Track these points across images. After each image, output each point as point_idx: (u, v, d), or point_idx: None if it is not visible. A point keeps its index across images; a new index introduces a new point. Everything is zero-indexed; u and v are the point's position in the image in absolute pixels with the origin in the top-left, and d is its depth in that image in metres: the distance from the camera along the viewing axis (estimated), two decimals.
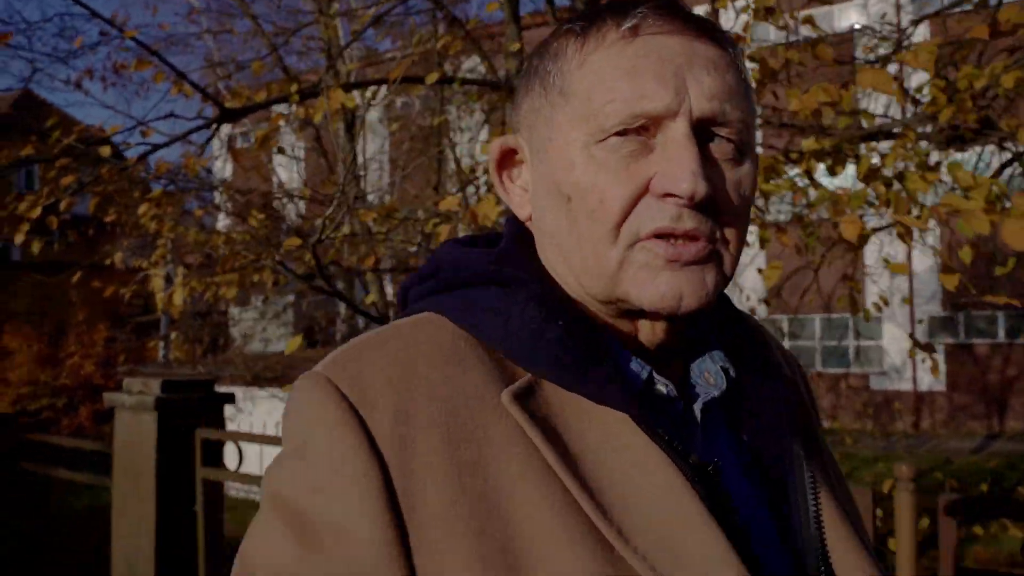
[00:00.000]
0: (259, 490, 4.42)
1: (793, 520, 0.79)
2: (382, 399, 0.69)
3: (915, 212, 2.86)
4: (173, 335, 14.50)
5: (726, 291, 0.83)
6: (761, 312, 20.64)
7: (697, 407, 0.79)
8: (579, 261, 0.76)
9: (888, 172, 2.92)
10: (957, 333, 19.36)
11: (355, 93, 5.04)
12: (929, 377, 19.28)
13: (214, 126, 4.20)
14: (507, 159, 0.83)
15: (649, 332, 0.78)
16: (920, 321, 18.27)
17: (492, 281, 0.78)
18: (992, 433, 17.75)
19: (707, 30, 0.76)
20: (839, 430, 18.48)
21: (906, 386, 19.74)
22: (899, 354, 19.76)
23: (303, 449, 0.71)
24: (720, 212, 0.75)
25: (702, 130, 0.74)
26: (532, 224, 0.82)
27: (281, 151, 4.13)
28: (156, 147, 4.24)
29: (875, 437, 17.97)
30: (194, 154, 4.85)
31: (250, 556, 0.71)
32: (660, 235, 0.73)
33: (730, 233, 0.76)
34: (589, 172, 0.73)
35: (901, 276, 18.78)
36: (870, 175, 2.91)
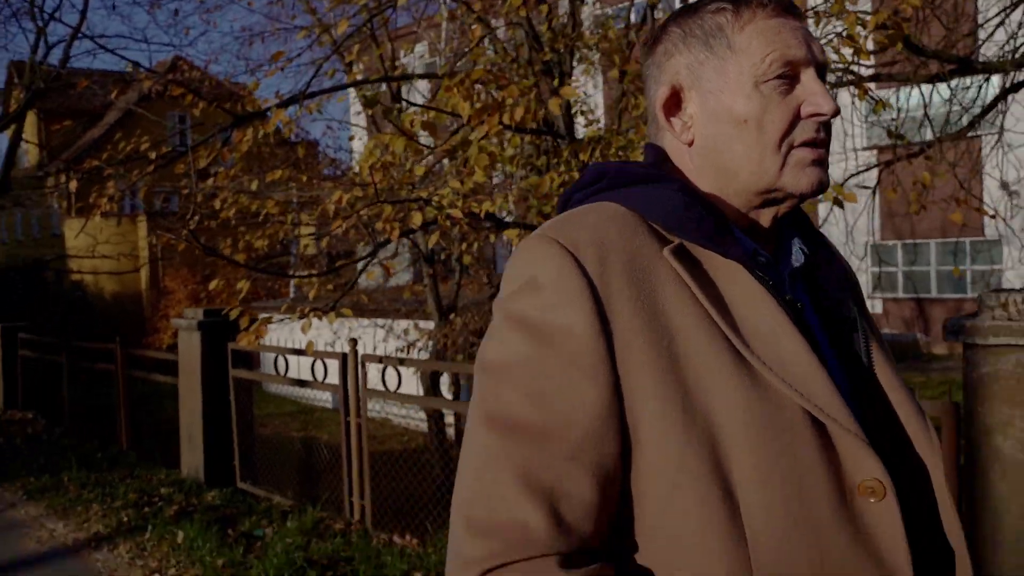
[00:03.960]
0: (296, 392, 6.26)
1: (847, 353, 1.09)
2: (589, 249, 0.98)
3: None
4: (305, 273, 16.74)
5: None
6: (874, 238, 20.63)
7: (785, 272, 1.09)
8: (747, 165, 1.05)
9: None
10: None
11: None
12: None
13: (230, 130, 5.95)
14: (671, 100, 1.10)
15: (767, 217, 1.08)
16: None
17: (649, 180, 1.07)
18: None
19: (803, 15, 1.10)
20: (954, 358, 18.53)
21: None
22: (1020, 279, 19.38)
23: (534, 282, 0.98)
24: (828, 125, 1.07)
25: (818, 72, 1.07)
26: (692, 147, 1.09)
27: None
28: (179, 152, 6.09)
29: None
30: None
31: (497, 357, 0.99)
32: (807, 143, 1.04)
33: (829, 139, 1.08)
34: (760, 103, 1.03)
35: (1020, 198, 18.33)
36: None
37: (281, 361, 6.13)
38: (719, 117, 1.06)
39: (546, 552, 0.90)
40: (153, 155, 6.10)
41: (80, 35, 9.79)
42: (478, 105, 4.26)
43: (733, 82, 1.05)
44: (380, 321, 14.40)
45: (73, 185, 5.88)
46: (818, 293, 1.12)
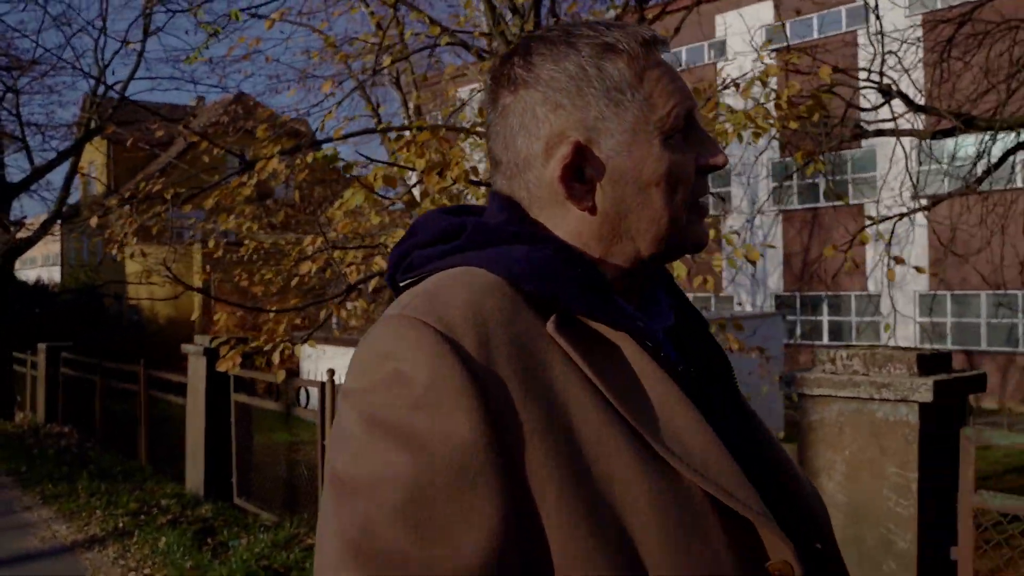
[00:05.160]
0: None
1: (731, 415, 1.01)
2: (466, 331, 0.82)
3: None
4: (350, 306, 17.34)
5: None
6: (922, 287, 20.43)
7: (659, 331, 0.98)
8: (651, 228, 0.94)
9: None
10: None
11: None
12: None
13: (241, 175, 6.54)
14: (573, 162, 0.94)
15: (648, 274, 1.00)
16: None
17: (518, 239, 0.93)
18: None
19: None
20: (1004, 412, 17.97)
21: None
22: None
23: (399, 376, 0.81)
24: None
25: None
26: (594, 214, 0.95)
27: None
28: (202, 189, 6.71)
29: None
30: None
31: (357, 471, 0.80)
32: (700, 195, 0.98)
33: None
34: (670, 162, 0.93)
35: None
36: None
37: (288, 390, 6.64)
38: (625, 180, 0.94)
39: None
40: (168, 195, 6.76)
41: (134, 78, 10.59)
42: (430, 161, 4.73)
43: (642, 141, 0.94)
44: None
45: (93, 221, 6.52)
46: (686, 348, 1.03)
